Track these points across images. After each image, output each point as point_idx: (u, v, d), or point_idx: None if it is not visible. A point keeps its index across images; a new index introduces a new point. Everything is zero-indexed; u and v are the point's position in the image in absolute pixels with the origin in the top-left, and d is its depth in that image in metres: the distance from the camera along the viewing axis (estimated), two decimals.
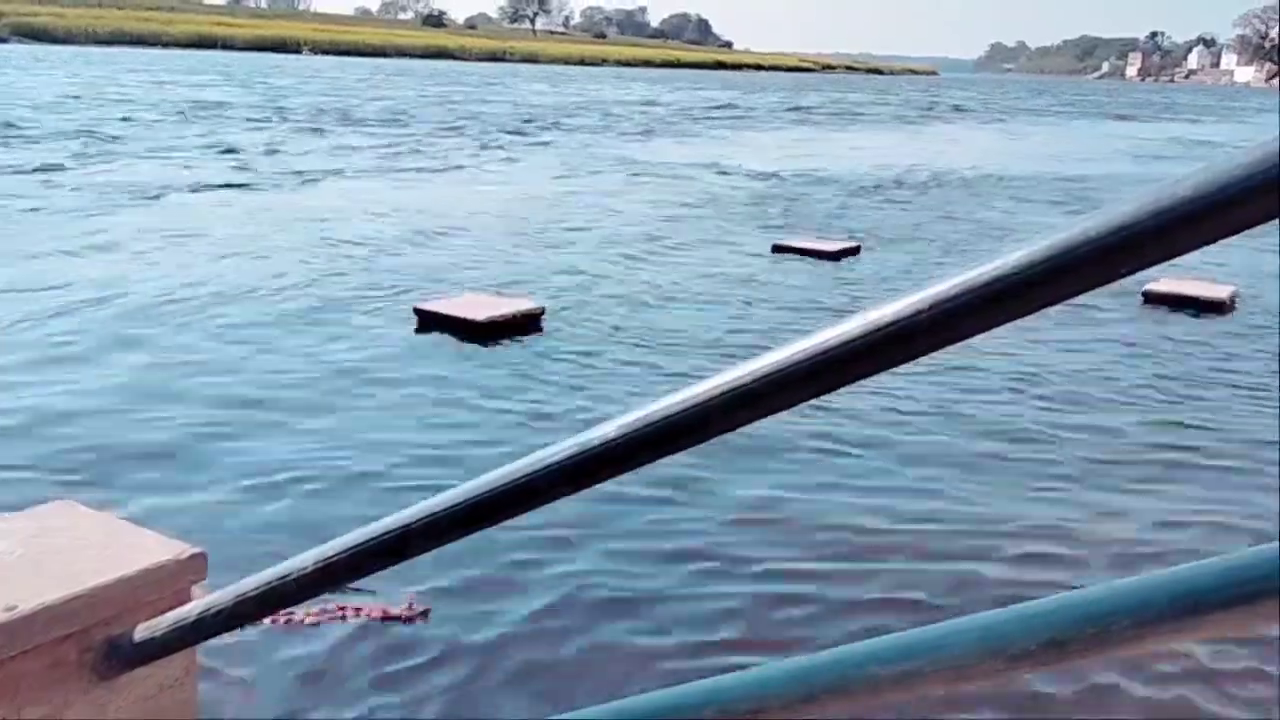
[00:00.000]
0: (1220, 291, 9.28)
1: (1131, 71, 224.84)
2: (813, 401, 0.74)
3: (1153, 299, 9.03)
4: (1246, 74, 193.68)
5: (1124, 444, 5.83)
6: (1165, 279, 9.02)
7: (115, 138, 19.97)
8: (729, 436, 0.80)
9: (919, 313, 0.66)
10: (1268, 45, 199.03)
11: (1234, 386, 7.00)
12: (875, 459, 5.46)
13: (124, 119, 23.69)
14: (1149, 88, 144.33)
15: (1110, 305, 8.72)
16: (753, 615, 3.91)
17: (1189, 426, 6.17)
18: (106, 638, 1.53)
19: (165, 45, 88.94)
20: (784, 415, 0.77)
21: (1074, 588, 0.73)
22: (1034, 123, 42.11)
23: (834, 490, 5.05)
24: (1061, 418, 6.22)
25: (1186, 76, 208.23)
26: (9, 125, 20.61)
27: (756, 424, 0.77)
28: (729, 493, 4.92)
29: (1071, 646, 0.69)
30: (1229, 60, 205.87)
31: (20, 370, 6.36)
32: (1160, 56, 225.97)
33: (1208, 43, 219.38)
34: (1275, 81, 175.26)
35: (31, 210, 12.02)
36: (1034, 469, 5.42)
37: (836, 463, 5.37)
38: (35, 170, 15.14)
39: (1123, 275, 0.61)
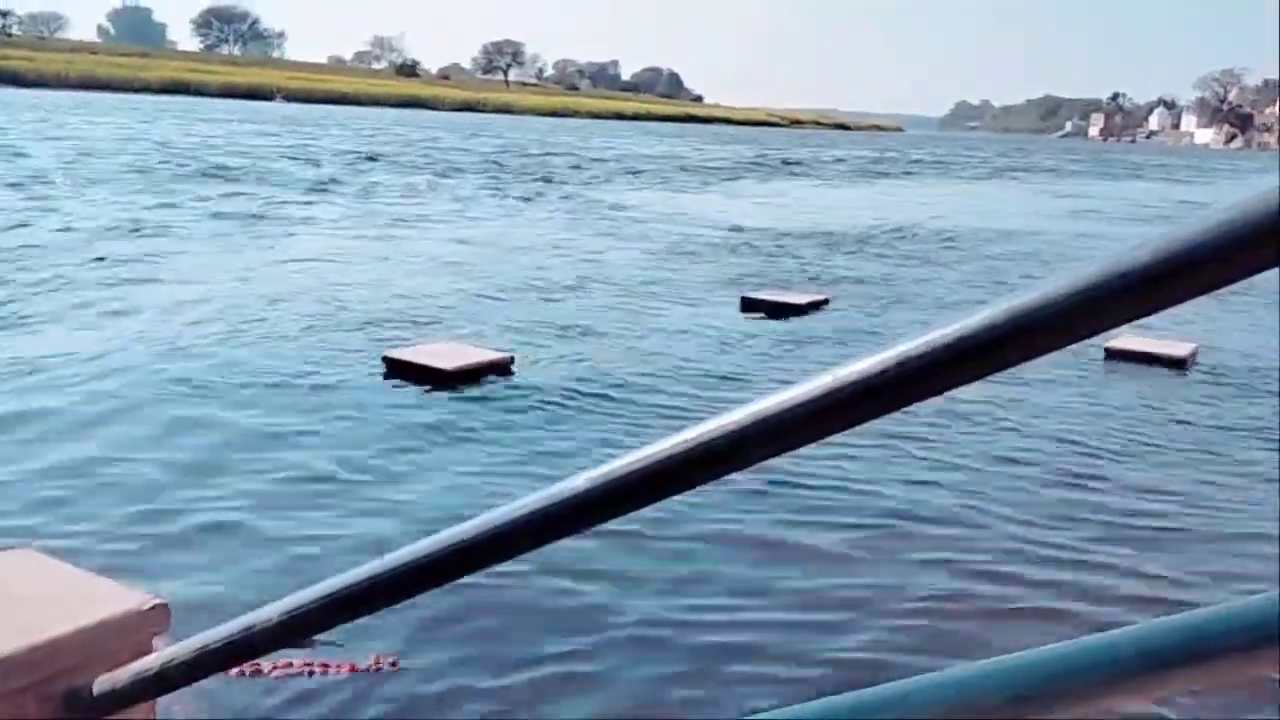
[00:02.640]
0: (1180, 349, 9.39)
1: (1094, 131, 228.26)
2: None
3: (1114, 355, 9.12)
4: (1206, 136, 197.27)
5: (1089, 500, 5.86)
6: (1126, 336, 9.11)
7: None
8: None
9: (885, 370, 0.67)
10: (1225, 108, 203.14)
11: (1195, 443, 7.07)
12: (817, 519, 5.44)
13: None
14: (1111, 147, 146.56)
15: (1072, 362, 8.79)
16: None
17: (1153, 483, 6.21)
18: (66, 689, 1.50)
19: (138, 90, 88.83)
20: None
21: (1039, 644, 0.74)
22: (1018, 181, 42.70)
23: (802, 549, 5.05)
24: (1022, 472, 6.25)
25: (1148, 137, 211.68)
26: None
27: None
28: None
29: (1035, 702, 0.69)
30: (1189, 122, 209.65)
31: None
32: (1122, 117, 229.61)
33: (1168, 104, 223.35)
34: (1235, 143, 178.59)
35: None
36: (990, 526, 5.43)
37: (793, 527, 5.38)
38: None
39: (1085, 337, 0.62)
